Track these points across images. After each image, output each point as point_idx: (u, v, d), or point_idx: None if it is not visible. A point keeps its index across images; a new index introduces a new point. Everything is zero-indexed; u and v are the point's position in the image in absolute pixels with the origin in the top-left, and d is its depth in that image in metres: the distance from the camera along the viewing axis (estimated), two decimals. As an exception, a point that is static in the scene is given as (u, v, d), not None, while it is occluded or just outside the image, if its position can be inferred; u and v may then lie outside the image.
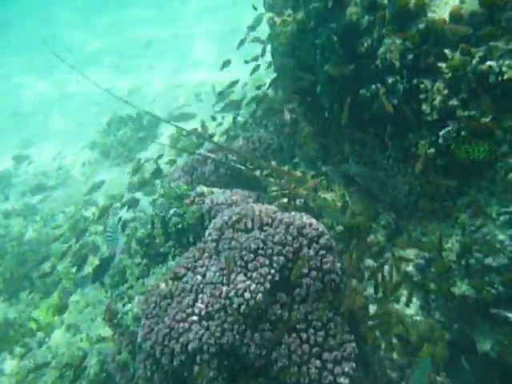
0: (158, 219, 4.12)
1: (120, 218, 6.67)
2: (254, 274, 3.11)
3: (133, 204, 6.42)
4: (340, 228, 4.62)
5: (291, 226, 3.36)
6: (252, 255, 3.18)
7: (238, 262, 3.19)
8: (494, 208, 3.25)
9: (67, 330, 6.36)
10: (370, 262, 4.36)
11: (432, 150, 3.35)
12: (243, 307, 3.00)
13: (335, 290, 3.20)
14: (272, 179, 5.34)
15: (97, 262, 6.90)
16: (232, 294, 3.04)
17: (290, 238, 3.27)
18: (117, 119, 11.94)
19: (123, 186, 9.53)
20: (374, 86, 3.50)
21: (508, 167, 3.08)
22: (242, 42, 6.30)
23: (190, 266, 3.43)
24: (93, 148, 12.18)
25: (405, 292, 3.96)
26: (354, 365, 2.99)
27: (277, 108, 5.34)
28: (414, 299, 3.96)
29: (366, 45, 3.51)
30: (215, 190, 4.53)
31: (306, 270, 3.15)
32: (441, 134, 3.15)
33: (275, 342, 2.97)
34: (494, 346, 3.57)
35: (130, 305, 3.59)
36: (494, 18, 2.85)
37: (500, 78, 2.81)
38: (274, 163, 5.97)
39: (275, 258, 3.17)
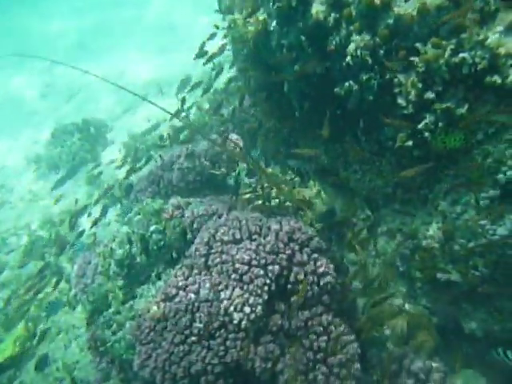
0: (136, 237, 3.95)
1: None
2: (251, 287, 3.04)
3: (98, 219, 6.16)
4: (320, 225, 4.64)
5: (280, 233, 3.32)
6: (246, 267, 3.11)
7: (232, 276, 3.11)
8: (472, 194, 3.35)
9: (40, 361, 6.01)
10: (352, 256, 4.41)
11: (410, 143, 3.39)
12: (244, 322, 2.92)
13: (332, 292, 3.19)
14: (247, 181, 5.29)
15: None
16: (231, 309, 2.96)
17: (281, 245, 3.23)
18: (61, 129, 11.37)
19: (79, 200, 9.12)
20: (347, 84, 3.49)
21: (484, 154, 3.17)
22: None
23: (180, 284, 3.30)
24: (38, 161, 11.54)
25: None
26: (358, 366, 3.00)
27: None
28: (401, 288, 4.04)
29: (334, 43, 3.49)
30: (191, 200, 4.40)
31: (301, 277, 3.12)
32: (419, 126, 3.19)
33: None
34: (479, 325, 3.71)
35: (121, 332, 3.41)
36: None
37: (473, 69, 2.87)
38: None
39: (270, 267, 3.12)
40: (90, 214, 7.41)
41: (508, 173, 3.05)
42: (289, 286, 3.15)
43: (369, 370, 3.48)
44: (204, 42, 5.58)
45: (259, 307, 2.97)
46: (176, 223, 3.85)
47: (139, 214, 4.06)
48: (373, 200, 4.52)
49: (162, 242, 3.81)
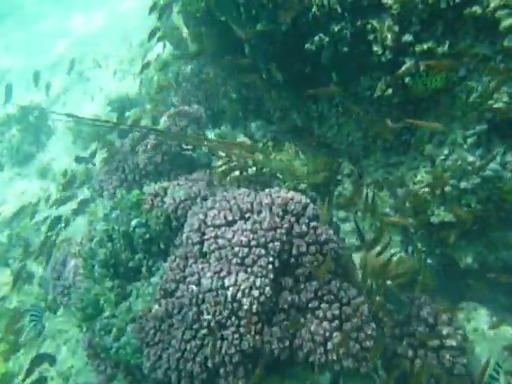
0: (118, 234, 3.69)
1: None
2: (255, 268, 2.90)
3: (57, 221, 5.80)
4: (303, 186, 4.52)
5: (274, 207, 3.16)
6: (246, 249, 2.95)
7: (234, 260, 2.95)
8: (458, 133, 3.28)
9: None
10: (342, 214, 4.33)
11: (390, 91, 3.26)
12: (255, 306, 2.80)
13: (336, 258, 3.11)
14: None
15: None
16: (239, 295, 2.82)
17: (277, 219, 3.08)
18: (-5, 122, 10.48)
19: (32, 198, 8.58)
20: (317, 38, 3.27)
21: (468, 89, 3.08)
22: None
23: (178, 277, 3.12)
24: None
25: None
26: (373, 325, 2.97)
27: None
28: (395, 237, 4.03)
29: (296, -6, 3.22)
30: (166, 184, 4.14)
31: (304, 249, 3.00)
32: (399, 72, 3.04)
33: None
34: (474, 258, 3.76)
35: (124, 338, 3.22)
36: None
37: (452, 3, 2.72)
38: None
39: (270, 245, 2.97)
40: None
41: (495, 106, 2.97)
42: (292, 260, 3.03)
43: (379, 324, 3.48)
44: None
45: (267, 288, 2.84)
46: (158, 213, 3.61)
47: (116, 209, 3.78)
48: (352, 153, 4.42)
49: (148, 235, 3.58)
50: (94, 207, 6.63)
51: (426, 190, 3.63)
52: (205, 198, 3.73)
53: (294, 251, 3.01)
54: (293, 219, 3.12)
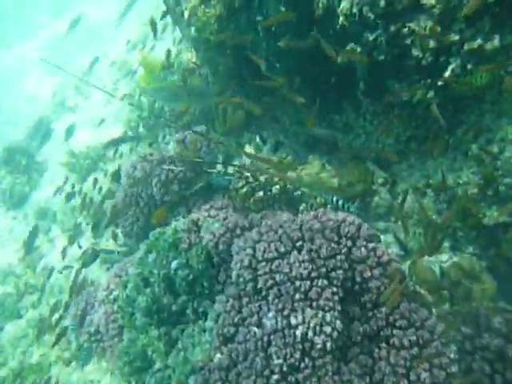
0: (157, 278, 3.47)
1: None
2: (321, 302, 2.70)
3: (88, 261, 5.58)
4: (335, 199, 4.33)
5: (326, 231, 2.97)
6: (307, 282, 2.75)
7: (296, 296, 2.75)
8: (508, 129, 3.12)
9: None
10: (381, 224, 4.15)
11: (431, 94, 3.09)
12: (329, 344, 2.60)
13: (399, 276, 2.92)
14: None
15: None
16: (310, 334, 2.62)
17: (334, 245, 2.88)
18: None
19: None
20: (348, 48, 3.09)
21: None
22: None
23: (236, 320, 2.91)
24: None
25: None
26: (454, 348, 2.78)
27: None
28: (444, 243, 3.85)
29: (321, 5, 3.04)
30: (194, 216, 3.93)
31: (368, 273, 2.81)
32: (446, 74, 2.87)
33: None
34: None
35: (187, 393, 3.00)
36: None
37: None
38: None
39: (332, 274, 2.78)
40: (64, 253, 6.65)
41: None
42: (356, 287, 2.84)
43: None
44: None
45: (338, 322, 2.64)
46: (199, 251, 3.40)
47: (151, 252, 3.56)
48: (383, 160, 4.25)
49: (191, 276, 3.36)
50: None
51: (475, 191, 3.46)
52: (244, 229, 3.53)
53: (358, 278, 2.82)
54: (349, 243, 2.93)
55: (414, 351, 2.69)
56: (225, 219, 3.65)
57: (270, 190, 4.57)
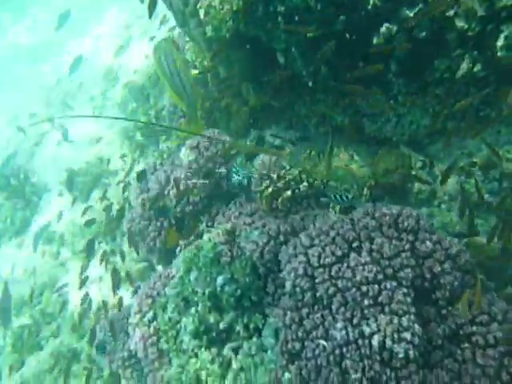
0: (201, 297, 3.25)
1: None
2: (394, 306, 2.49)
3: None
4: (368, 191, 4.11)
5: (384, 228, 2.75)
6: (375, 286, 2.54)
7: (365, 302, 2.53)
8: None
9: None
10: (424, 210, 3.94)
11: (478, 67, 2.86)
12: (411, 352, 2.39)
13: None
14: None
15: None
16: (389, 343, 2.40)
17: (396, 242, 2.67)
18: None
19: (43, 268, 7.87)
20: (384, 29, 2.86)
21: None
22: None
23: (300, 334, 2.70)
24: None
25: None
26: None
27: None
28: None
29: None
30: (228, 225, 3.70)
31: (438, 268, 2.60)
32: (499, 43, 2.64)
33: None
34: None
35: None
36: None
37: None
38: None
39: (401, 274, 2.57)
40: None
41: None
42: (426, 284, 2.63)
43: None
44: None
45: (416, 326, 2.43)
46: (243, 263, 3.18)
47: (192, 270, 3.33)
48: (416, 142, 4.04)
49: (239, 291, 3.15)
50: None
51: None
52: (287, 234, 3.31)
53: (427, 274, 2.60)
54: (411, 237, 2.71)
55: (502, 348, 2.48)
56: (264, 226, 3.43)
57: (298, 188, 4.34)
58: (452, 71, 3.00)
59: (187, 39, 5.15)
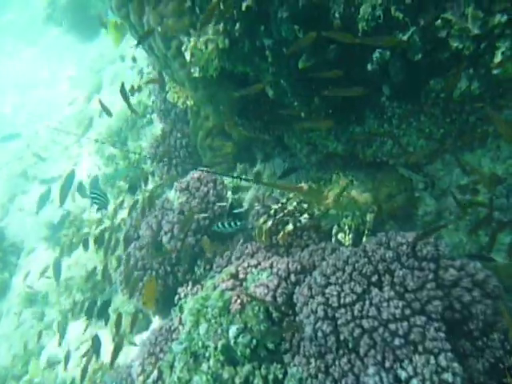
0: (213, 351, 3.02)
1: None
2: (428, 344, 2.31)
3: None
4: (371, 216, 3.99)
5: (403, 258, 2.61)
6: (405, 323, 2.37)
7: (396, 341, 2.36)
8: None
9: None
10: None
11: (475, 85, 2.81)
12: (455, 389, 2.21)
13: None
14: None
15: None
16: (429, 385, 2.22)
17: (417, 272, 2.52)
18: None
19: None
20: (377, 55, 2.79)
21: None
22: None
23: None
24: None
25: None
26: None
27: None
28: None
29: (338, 15, 2.75)
30: (232, 269, 3.52)
31: (467, 298, 2.45)
32: (496, 60, 2.60)
33: None
34: None
35: None
36: None
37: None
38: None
39: (429, 307, 2.41)
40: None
41: None
42: (456, 315, 2.47)
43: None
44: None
45: (456, 365, 2.26)
46: (255, 310, 2.98)
47: (199, 323, 3.11)
48: (411, 164, 3.96)
49: (254, 341, 2.93)
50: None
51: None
52: (297, 273, 3.14)
53: (457, 305, 2.45)
54: (432, 266, 2.57)
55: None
56: (272, 267, 3.25)
57: (300, 221, 4.19)
58: (448, 91, 2.94)
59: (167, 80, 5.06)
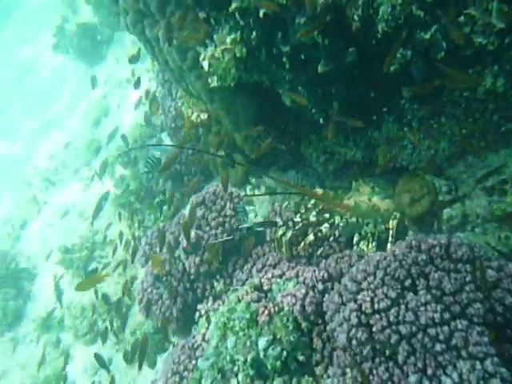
0: (243, 366, 2.92)
1: None
2: (471, 349, 2.21)
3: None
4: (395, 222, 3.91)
5: (436, 260, 2.52)
6: (445, 328, 2.27)
7: (437, 347, 2.25)
8: None
9: None
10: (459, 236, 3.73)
11: (500, 82, 2.76)
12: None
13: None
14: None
15: None
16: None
17: (454, 275, 2.43)
18: None
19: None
20: (399, 55, 2.75)
21: None
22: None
23: (367, 395, 2.38)
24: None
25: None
26: None
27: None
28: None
29: (357, 17, 2.73)
30: (256, 281, 3.44)
31: (510, 299, 2.35)
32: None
33: None
34: None
35: None
36: None
37: None
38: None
39: (470, 310, 2.31)
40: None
41: None
42: (498, 319, 2.37)
43: None
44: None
45: (503, 370, 2.15)
46: (283, 320, 2.89)
47: (226, 337, 3.01)
48: (432, 167, 3.89)
49: (285, 353, 2.83)
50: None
51: None
52: (324, 281, 3.05)
53: (498, 307, 2.35)
54: (468, 267, 2.48)
55: None
56: (297, 276, 3.17)
57: (321, 231, 4.12)
58: (472, 89, 2.89)
59: (179, 95, 5.06)
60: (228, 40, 3.00)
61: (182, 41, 3.22)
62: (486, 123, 3.32)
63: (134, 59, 5.33)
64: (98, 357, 4.44)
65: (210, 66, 3.04)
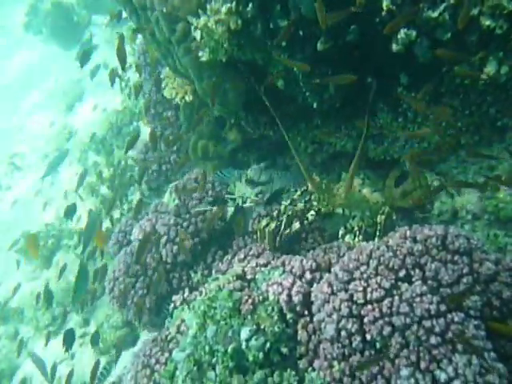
0: (223, 357, 2.74)
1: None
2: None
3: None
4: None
5: (433, 251, 2.40)
6: (441, 320, 2.15)
7: (432, 340, 2.13)
8: None
9: None
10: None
11: (505, 69, 2.66)
12: (500, 393, 1.98)
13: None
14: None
15: None
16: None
17: (451, 266, 2.31)
18: None
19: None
20: (403, 35, 2.62)
21: None
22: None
23: (356, 391, 2.24)
24: None
25: None
26: None
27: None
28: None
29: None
30: (237, 269, 3.27)
31: (508, 293, 2.25)
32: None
33: None
34: None
35: None
36: None
37: None
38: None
39: (467, 303, 2.19)
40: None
41: None
42: (495, 313, 2.26)
43: None
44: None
45: (500, 365, 2.05)
46: (268, 310, 2.72)
47: (206, 326, 2.83)
48: (423, 161, 3.80)
49: (268, 344, 2.67)
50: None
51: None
52: (313, 271, 2.90)
53: (495, 301, 2.24)
54: (466, 259, 2.37)
55: None
56: (283, 265, 3.01)
57: (307, 218, 3.97)
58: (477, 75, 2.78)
59: (163, 75, 4.84)
60: (223, 9, 2.81)
61: (172, 9, 3.02)
62: (481, 116, 3.23)
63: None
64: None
65: (202, 37, 2.85)
